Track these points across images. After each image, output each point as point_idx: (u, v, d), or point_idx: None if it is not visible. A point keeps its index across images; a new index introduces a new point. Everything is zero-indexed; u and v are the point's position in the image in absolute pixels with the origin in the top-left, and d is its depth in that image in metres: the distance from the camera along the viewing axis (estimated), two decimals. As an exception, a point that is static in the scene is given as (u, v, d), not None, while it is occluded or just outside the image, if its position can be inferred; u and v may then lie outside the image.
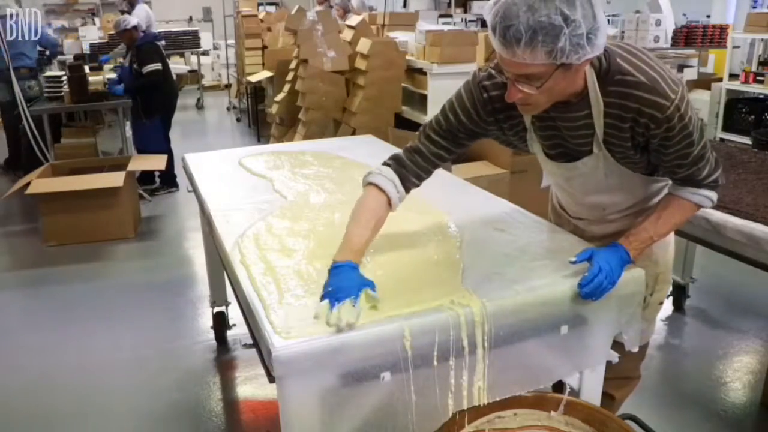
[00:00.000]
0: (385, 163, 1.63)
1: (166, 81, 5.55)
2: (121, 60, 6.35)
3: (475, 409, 1.44)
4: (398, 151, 1.66)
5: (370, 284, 1.39)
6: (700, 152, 1.48)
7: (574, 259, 1.50)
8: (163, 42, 6.68)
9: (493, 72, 1.53)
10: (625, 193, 1.68)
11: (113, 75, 5.76)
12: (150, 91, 5.32)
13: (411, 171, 1.61)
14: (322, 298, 1.35)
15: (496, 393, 1.44)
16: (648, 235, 1.57)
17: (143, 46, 5.33)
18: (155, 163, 5.07)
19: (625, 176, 1.60)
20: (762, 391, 2.61)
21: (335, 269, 1.43)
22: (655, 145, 1.46)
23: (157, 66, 5.24)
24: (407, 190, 1.63)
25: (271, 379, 1.27)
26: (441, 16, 9.64)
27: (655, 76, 1.39)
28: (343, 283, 1.38)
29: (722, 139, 6.13)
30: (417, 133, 1.64)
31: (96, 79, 5.40)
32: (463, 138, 1.61)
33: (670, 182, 1.63)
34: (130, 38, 5.35)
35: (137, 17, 5.91)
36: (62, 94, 5.36)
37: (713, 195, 1.58)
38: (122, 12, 8.46)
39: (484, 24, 9.82)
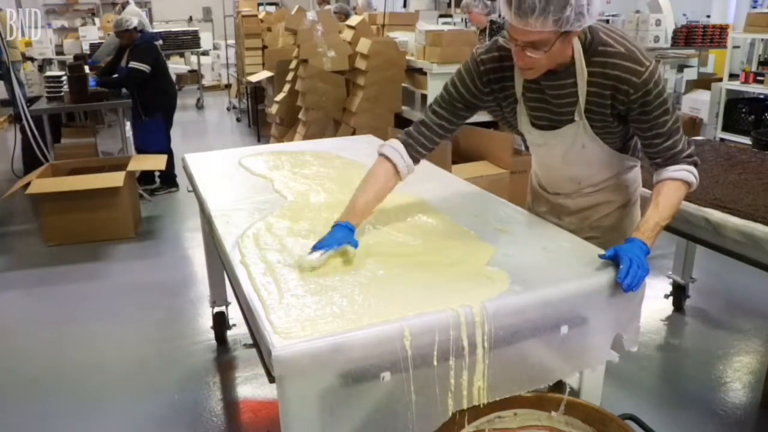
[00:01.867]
0: (396, 137, 1.81)
1: (165, 80, 5.56)
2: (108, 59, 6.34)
3: (475, 409, 1.44)
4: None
5: (354, 243, 1.62)
6: (674, 125, 1.64)
7: (602, 253, 1.58)
8: (160, 42, 6.67)
9: (490, 48, 1.74)
10: (599, 166, 1.84)
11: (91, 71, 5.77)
12: (127, 87, 5.38)
13: (417, 141, 1.80)
14: (315, 249, 1.60)
15: (496, 393, 1.44)
16: (654, 222, 1.63)
17: (140, 45, 5.35)
18: (155, 163, 5.07)
19: (600, 150, 1.78)
20: (762, 392, 2.61)
21: (333, 228, 1.66)
22: (635, 114, 1.63)
23: (142, 66, 5.25)
24: (414, 160, 1.81)
25: (271, 379, 1.27)
26: (441, 16, 9.63)
27: (632, 48, 1.61)
28: (329, 238, 1.62)
29: (722, 139, 6.13)
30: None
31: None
32: (461, 109, 1.79)
33: (639, 163, 1.89)
34: (130, 38, 5.36)
35: (137, 17, 5.91)
36: (62, 93, 5.36)
37: (694, 170, 1.69)
38: (118, 12, 8.48)
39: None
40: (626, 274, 1.47)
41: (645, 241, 1.58)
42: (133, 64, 5.24)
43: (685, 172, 1.67)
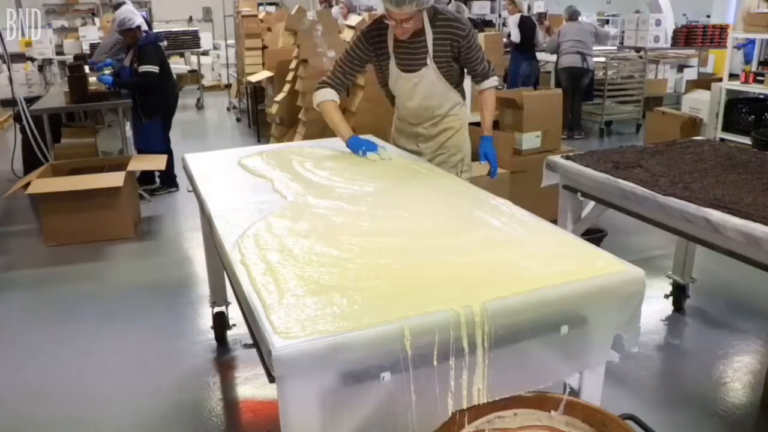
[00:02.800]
0: (323, 85, 2.78)
1: (167, 81, 5.55)
2: (119, 57, 6.35)
3: (475, 409, 1.44)
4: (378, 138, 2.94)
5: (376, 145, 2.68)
6: (484, 55, 2.80)
7: (482, 163, 2.87)
8: (165, 42, 6.67)
9: (370, 24, 2.78)
10: (443, 98, 2.84)
11: (108, 72, 5.76)
12: (144, 91, 5.32)
13: (336, 87, 2.79)
14: (364, 152, 2.63)
15: (496, 393, 1.44)
16: (490, 120, 2.90)
17: (145, 46, 5.33)
18: (155, 163, 5.07)
19: (443, 86, 2.80)
20: (762, 392, 2.61)
21: (356, 138, 2.72)
22: (464, 54, 2.73)
23: (153, 68, 5.24)
24: (339, 93, 2.81)
25: (271, 379, 1.27)
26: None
27: (458, 16, 2.78)
28: (367, 143, 2.66)
29: (722, 139, 6.13)
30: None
31: (96, 79, 5.40)
32: (357, 63, 2.80)
33: (464, 102, 2.95)
34: (133, 38, 5.35)
35: (139, 17, 5.90)
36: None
37: (497, 79, 2.93)
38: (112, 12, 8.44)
39: (484, 24, 9.82)
40: (496, 168, 2.86)
41: (490, 134, 2.87)
42: (145, 68, 5.22)
43: (492, 80, 2.85)
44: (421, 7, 2.49)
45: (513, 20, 8.07)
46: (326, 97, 2.76)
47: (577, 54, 7.34)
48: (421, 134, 2.92)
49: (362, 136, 2.77)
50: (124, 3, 7.35)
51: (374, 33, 2.75)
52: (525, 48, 7.96)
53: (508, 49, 8.03)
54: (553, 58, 7.91)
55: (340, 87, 2.80)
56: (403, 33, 2.59)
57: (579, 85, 7.50)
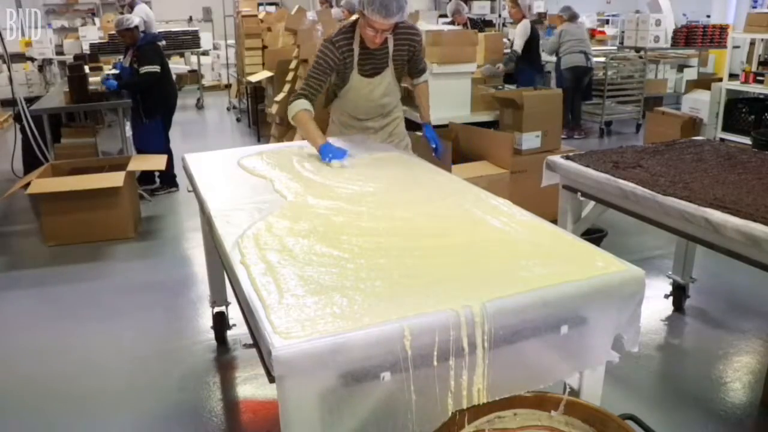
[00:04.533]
0: (299, 96, 2.86)
1: (167, 81, 5.55)
2: (120, 59, 6.35)
3: (475, 409, 1.44)
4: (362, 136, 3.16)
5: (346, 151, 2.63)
6: (424, 57, 3.24)
7: (436, 146, 3.27)
8: (163, 42, 6.66)
9: (336, 35, 2.93)
10: (395, 96, 3.19)
11: (115, 71, 5.76)
12: (144, 91, 5.32)
13: (310, 98, 2.86)
14: (330, 158, 2.56)
15: (496, 393, 1.44)
16: (428, 109, 3.33)
17: (144, 47, 5.33)
18: (155, 163, 5.07)
19: (395, 85, 3.13)
20: (762, 391, 2.61)
21: (328, 145, 2.64)
22: (415, 57, 3.10)
23: (155, 68, 5.24)
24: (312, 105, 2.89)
25: (271, 379, 1.27)
26: (441, 16, 9.63)
27: (414, 24, 3.34)
28: (335, 151, 2.60)
29: (722, 139, 6.13)
30: (301, 83, 3.03)
31: (96, 79, 5.40)
32: (327, 74, 2.92)
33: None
34: (132, 38, 5.35)
35: (138, 17, 5.90)
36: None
37: (428, 73, 3.33)
38: (121, 12, 8.45)
39: (484, 24, 9.82)
40: (437, 147, 3.26)
41: (430, 123, 3.33)
42: (146, 68, 5.22)
43: (426, 75, 3.28)
44: (403, 18, 2.77)
45: (522, 28, 6.95)
46: (301, 107, 2.83)
47: (581, 53, 7.34)
48: (370, 127, 3.20)
49: (362, 137, 2.84)
50: (136, 3, 7.33)
51: (343, 43, 2.90)
52: (532, 57, 7.06)
53: (507, 51, 7.02)
54: (552, 58, 7.88)
55: (314, 98, 2.90)
56: (380, 41, 2.80)
57: (580, 85, 7.51)
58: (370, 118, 3.19)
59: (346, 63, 2.93)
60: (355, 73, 2.98)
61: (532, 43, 6.98)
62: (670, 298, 3.35)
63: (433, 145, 3.27)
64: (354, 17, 3.05)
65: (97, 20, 11.45)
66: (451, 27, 7.08)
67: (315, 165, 2.58)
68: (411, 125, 5.33)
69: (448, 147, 3.55)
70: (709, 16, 12.18)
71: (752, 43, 7.74)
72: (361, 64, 2.96)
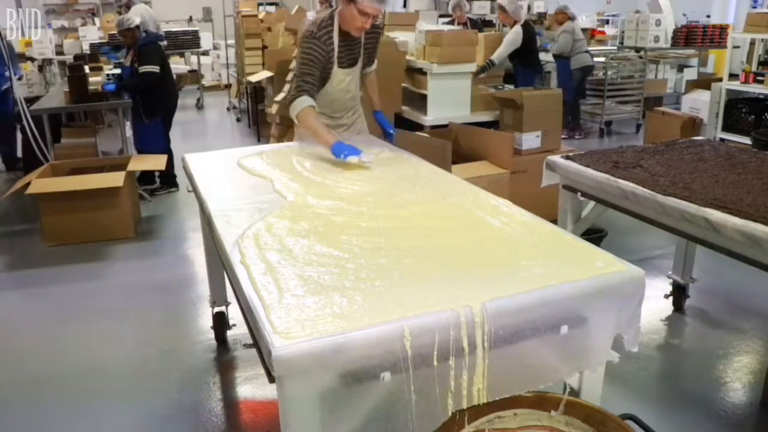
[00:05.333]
0: (300, 93, 2.83)
1: (167, 81, 5.55)
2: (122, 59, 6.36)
3: (475, 409, 1.44)
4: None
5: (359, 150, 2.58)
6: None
7: (391, 131, 3.28)
8: (165, 42, 6.66)
9: (317, 29, 2.89)
10: (359, 88, 3.22)
11: (117, 71, 5.75)
12: (145, 91, 5.31)
13: (312, 94, 2.87)
14: (346, 155, 2.52)
15: (496, 393, 1.44)
16: (378, 97, 3.35)
17: (145, 46, 5.33)
18: (155, 163, 5.07)
19: (359, 76, 3.17)
20: (762, 391, 2.61)
21: (341, 144, 2.60)
22: (376, 46, 3.18)
23: (154, 68, 5.24)
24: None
25: (271, 379, 1.27)
26: (441, 16, 9.62)
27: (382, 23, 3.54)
28: (350, 148, 2.56)
29: (722, 139, 6.13)
30: (295, 81, 2.91)
31: (96, 80, 5.40)
32: (320, 67, 2.90)
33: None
34: (133, 38, 5.35)
35: (138, 16, 5.90)
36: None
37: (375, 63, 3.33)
38: (119, 12, 8.45)
39: (484, 24, 9.81)
40: (390, 133, 3.24)
41: (381, 109, 3.34)
42: (145, 68, 5.21)
43: (375, 65, 3.28)
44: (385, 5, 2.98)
45: (512, 36, 6.32)
46: (306, 104, 2.81)
47: (586, 52, 7.35)
48: (343, 124, 3.23)
49: (362, 137, 2.86)
50: (133, 3, 7.33)
51: (327, 38, 2.90)
52: (531, 58, 6.64)
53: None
54: (550, 57, 7.85)
55: (314, 93, 2.88)
56: (368, 27, 2.89)
57: (583, 84, 7.51)
58: (343, 114, 3.21)
59: (329, 57, 2.94)
60: (336, 66, 2.99)
61: (529, 44, 6.48)
62: (670, 298, 3.35)
63: (390, 131, 3.29)
64: (331, 9, 3.02)
65: (97, 20, 11.44)
66: (450, 27, 7.08)
67: (315, 165, 2.58)
68: (412, 126, 5.37)
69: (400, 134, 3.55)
70: (709, 16, 12.17)
71: (752, 43, 7.73)
72: (340, 57, 2.98)
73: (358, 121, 3.32)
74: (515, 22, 6.41)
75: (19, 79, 6.75)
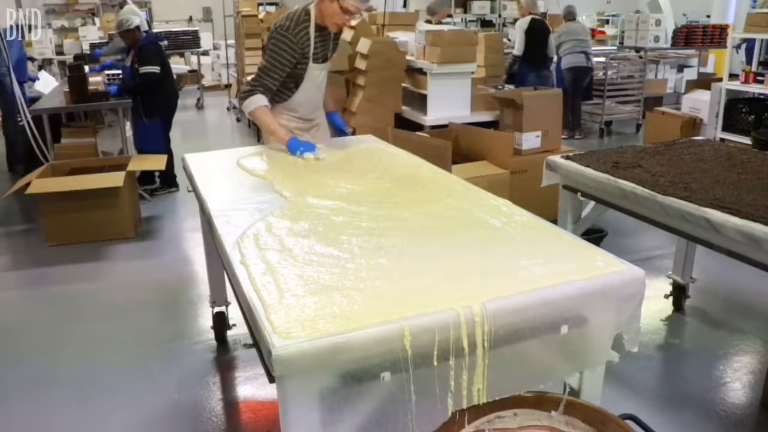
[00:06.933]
0: (255, 90, 2.83)
1: (167, 81, 5.55)
2: (118, 58, 6.35)
3: (475, 409, 1.44)
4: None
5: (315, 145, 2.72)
6: None
7: (348, 130, 3.39)
8: (165, 42, 6.65)
9: (294, 25, 2.83)
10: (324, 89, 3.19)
11: (116, 71, 5.75)
12: (145, 92, 5.31)
13: (266, 94, 2.86)
14: (302, 152, 2.64)
15: (496, 393, 1.44)
16: (331, 96, 3.33)
17: (145, 47, 5.32)
18: (155, 163, 5.07)
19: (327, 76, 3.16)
20: (762, 391, 2.61)
21: (295, 140, 2.73)
22: (337, 45, 3.10)
23: (155, 69, 5.24)
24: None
25: (271, 379, 1.27)
26: (428, 21, 9.61)
27: None
28: (306, 144, 2.68)
29: (722, 139, 6.13)
30: (255, 75, 2.90)
31: (96, 80, 5.39)
32: (287, 68, 2.87)
33: None
34: (133, 38, 5.34)
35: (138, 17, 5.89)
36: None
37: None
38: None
39: (484, 24, 9.82)
40: (344, 130, 3.30)
41: (338, 111, 3.41)
42: (145, 69, 5.21)
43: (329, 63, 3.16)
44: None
45: (520, 25, 6.81)
46: (260, 103, 2.84)
47: (581, 53, 7.34)
48: (317, 123, 3.21)
49: (362, 137, 2.85)
50: (126, 2, 7.33)
51: (302, 33, 2.84)
52: (534, 57, 6.78)
53: (507, 52, 6.92)
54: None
55: (269, 94, 2.88)
56: (347, 24, 3.03)
57: (580, 85, 7.50)
58: (316, 112, 3.18)
59: (304, 53, 2.88)
60: (311, 62, 2.93)
61: (535, 38, 6.73)
62: (670, 298, 3.35)
63: (347, 132, 3.36)
64: (306, 4, 2.95)
65: (97, 20, 11.44)
66: (451, 27, 7.08)
67: (315, 165, 2.58)
68: (412, 126, 5.37)
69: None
70: (709, 16, 12.17)
71: (742, 42, 7.74)
72: (315, 52, 2.93)
73: (323, 122, 3.29)
74: (529, 13, 6.93)
75: (33, 81, 6.79)
